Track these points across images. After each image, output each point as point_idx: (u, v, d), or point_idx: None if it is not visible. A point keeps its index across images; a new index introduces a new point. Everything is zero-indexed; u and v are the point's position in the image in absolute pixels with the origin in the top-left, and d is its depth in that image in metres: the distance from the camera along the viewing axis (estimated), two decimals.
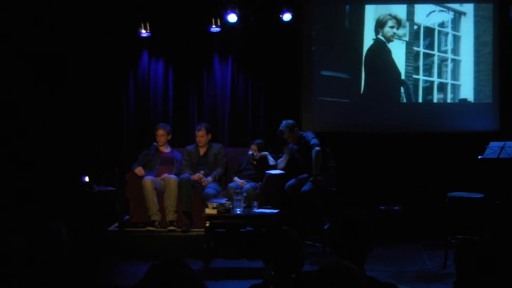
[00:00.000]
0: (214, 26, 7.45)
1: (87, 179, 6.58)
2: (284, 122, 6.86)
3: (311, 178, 6.56)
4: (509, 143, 6.25)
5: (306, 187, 6.55)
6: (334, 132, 7.61)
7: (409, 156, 7.51)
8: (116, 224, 6.83)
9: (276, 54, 7.64)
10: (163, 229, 6.72)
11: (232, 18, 7.29)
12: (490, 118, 7.54)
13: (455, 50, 7.59)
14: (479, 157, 6.43)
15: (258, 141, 7.22)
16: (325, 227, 6.61)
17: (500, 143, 6.27)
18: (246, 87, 7.87)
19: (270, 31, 7.59)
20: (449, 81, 7.61)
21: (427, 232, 7.01)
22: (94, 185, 6.67)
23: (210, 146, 7.27)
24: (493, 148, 6.28)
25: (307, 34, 7.73)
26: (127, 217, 6.97)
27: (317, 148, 6.60)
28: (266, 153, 7.07)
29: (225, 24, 7.42)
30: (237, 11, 7.27)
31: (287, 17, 7.38)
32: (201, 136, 7.19)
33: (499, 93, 7.53)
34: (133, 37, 7.51)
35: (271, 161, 7.01)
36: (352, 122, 7.68)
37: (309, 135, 6.84)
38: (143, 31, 7.42)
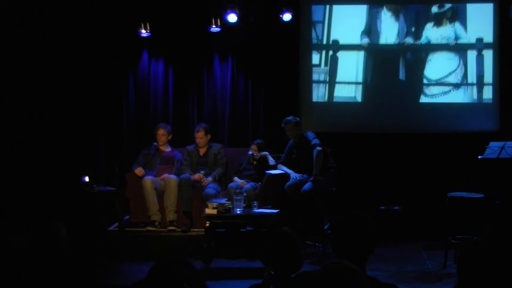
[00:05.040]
0: (214, 26, 7.44)
1: (87, 179, 6.58)
2: (293, 117, 6.89)
3: (311, 178, 6.57)
4: (509, 143, 6.25)
5: (306, 187, 6.55)
6: (334, 132, 7.60)
7: (409, 156, 7.50)
8: (116, 224, 6.82)
9: (276, 54, 7.63)
10: (163, 229, 6.72)
11: (232, 18, 7.29)
12: (490, 118, 7.52)
13: (455, 50, 7.57)
14: (479, 157, 6.42)
15: (258, 141, 7.21)
16: (325, 227, 6.62)
17: (500, 143, 6.27)
18: (246, 87, 7.86)
19: (270, 31, 7.58)
20: (449, 81, 7.60)
21: (427, 232, 7.01)
22: (94, 185, 6.67)
23: (210, 146, 7.27)
24: (493, 148, 6.27)
25: (307, 34, 7.73)
26: (127, 217, 6.96)
27: (319, 148, 6.61)
28: (266, 153, 7.07)
29: (225, 24, 7.42)
30: (237, 11, 7.27)
31: (287, 17, 7.38)
32: (200, 137, 7.18)
33: (499, 93, 7.51)
34: (133, 37, 7.51)
35: (271, 161, 7.01)
36: (352, 122, 7.67)
37: (310, 135, 6.84)
38: (143, 31, 7.41)
